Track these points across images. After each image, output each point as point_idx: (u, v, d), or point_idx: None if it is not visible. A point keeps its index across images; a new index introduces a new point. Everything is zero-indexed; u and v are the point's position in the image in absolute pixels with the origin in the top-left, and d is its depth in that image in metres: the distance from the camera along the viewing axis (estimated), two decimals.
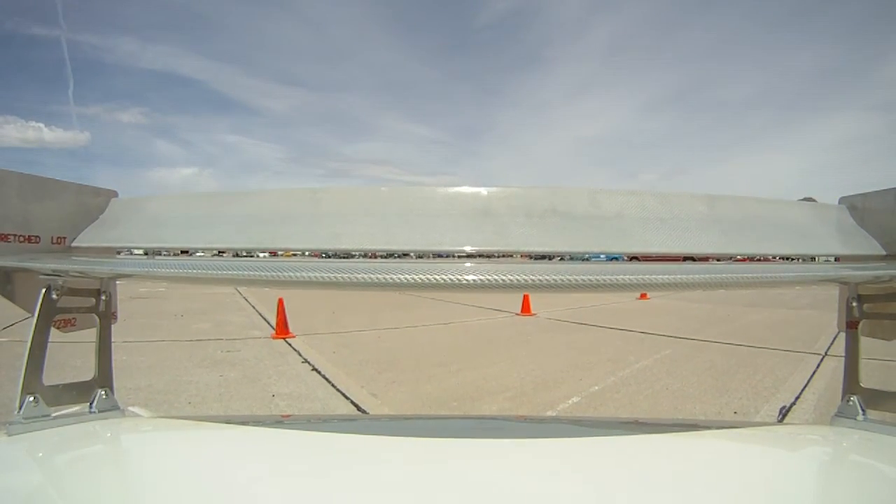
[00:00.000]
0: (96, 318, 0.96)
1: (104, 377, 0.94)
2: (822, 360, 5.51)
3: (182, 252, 1.25)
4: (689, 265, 0.74)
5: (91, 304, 0.95)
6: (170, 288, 13.60)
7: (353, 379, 4.89)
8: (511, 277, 0.66)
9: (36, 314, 0.85)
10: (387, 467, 0.75)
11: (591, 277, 0.68)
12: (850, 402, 0.87)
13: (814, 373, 4.99)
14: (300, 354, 5.90)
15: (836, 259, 0.94)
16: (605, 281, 0.69)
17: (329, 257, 0.81)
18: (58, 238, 0.97)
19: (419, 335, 7.47)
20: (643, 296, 11.49)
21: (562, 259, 0.86)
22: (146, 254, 1.10)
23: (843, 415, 0.88)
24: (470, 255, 0.76)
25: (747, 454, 0.84)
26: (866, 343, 0.91)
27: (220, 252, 1.19)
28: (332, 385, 4.66)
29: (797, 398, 4.20)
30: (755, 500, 0.64)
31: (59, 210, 0.98)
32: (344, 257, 0.78)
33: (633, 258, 0.96)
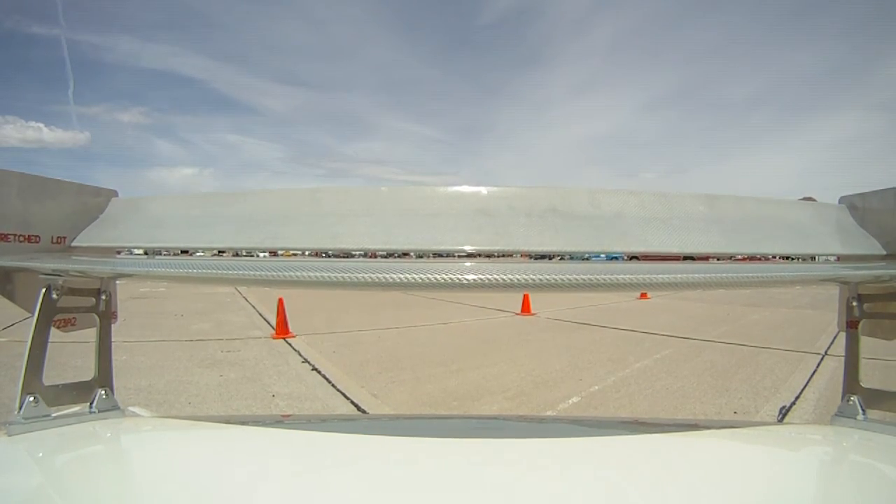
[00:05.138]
0: (96, 317, 0.96)
1: (104, 377, 0.94)
2: (822, 359, 5.51)
3: (182, 252, 1.26)
4: (689, 265, 0.74)
5: (91, 304, 0.95)
6: (170, 288, 13.60)
7: (354, 379, 4.89)
8: (511, 277, 0.66)
9: (36, 314, 0.85)
10: (387, 467, 0.75)
11: (591, 277, 0.68)
12: (850, 402, 0.87)
13: (814, 372, 4.98)
14: (300, 354, 5.90)
15: (837, 259, 0.94)
16: (605, 281, 0.69)
17: (329, 257, 0.81)
18: (58, 238, 0.96)
19: (419, 335, 7.47)
20: (643, 295, 11.49)
21: (562, 259, 0.86)
22: (146, 254, 1.10)
23: (843, 415, 0.88)
24: (470, 255, 0.76)
25: (747, 454, 0.84)
26: (866, 343, 0.91)
27: (220, 252, 1.19)
28: (333, 385, 4.66)
29: (797, 398, 4.20)
30: (755, 500, 0.64)
31: (59, 210, 0.98)
32: (344, 257, 0.78)
33: (633, 258, 0.96)
